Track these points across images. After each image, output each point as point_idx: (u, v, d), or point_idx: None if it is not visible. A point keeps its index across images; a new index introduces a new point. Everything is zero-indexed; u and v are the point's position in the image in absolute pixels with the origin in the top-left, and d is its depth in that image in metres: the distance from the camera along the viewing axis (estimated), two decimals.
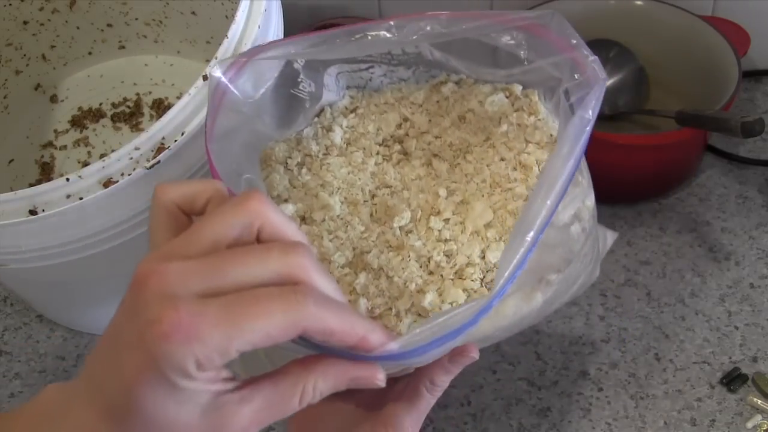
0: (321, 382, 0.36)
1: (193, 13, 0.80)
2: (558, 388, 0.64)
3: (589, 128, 0.45)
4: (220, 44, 0.54)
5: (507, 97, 0.55)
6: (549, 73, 0.50)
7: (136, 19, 0.82)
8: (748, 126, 0.63)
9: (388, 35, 0.50)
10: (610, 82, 0.80)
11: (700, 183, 0.76)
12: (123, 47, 0.84)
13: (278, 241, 0.35)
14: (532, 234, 0.42)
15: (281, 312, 0.33)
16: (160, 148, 0.53)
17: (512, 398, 0.64)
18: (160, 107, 0.82)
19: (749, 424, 0.60)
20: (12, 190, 0.52)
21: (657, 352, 0.65)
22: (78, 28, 0.82)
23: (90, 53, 0.84)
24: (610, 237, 0.58)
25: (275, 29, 0.60)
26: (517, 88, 0.55)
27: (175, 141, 0.53)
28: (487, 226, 0.49)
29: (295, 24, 0.74)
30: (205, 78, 0.53)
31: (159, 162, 0.52)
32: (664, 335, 0.66)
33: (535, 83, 0.54)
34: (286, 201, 0.52)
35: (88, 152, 0.81)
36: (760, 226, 0.72)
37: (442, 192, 0.51)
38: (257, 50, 0.49)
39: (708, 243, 0.72)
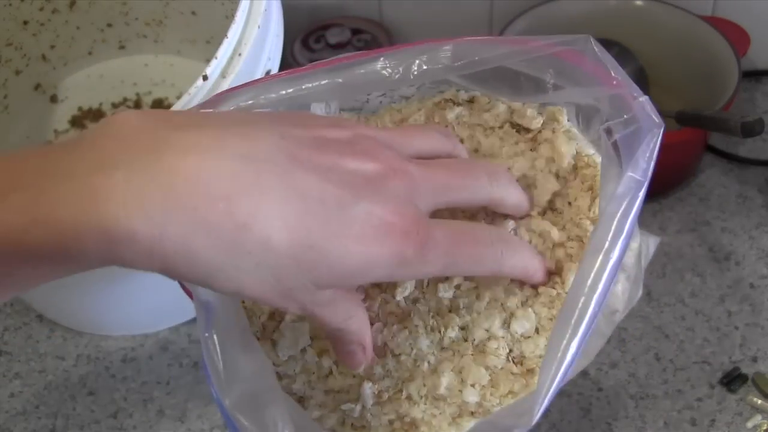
0: None
1: (193, 13, 0.80)
2: None
3: (642, 192, 0.37)
4: (220, 44, 0.54)
5: (518, 132, 0.47)
6: (586, 101, 0.43)
7: (136, 19, 0.82)
8: (748, 126, 0.63)
9: (384, 74, 0.43)
10: None
11: (700, 183, 0.76)
12: (123, 47, 0.84)
13: (481, 163, 0.42)
14: (577, 340, 0.35)
15: (489, 262, 0.39)
16: None
17: None
18: (160, 107, 0.82)
19: (749, 424, 0.60)
20: None
21: (657, 352, 0.65)
22: (78, 28, 0.82)
23: (90, 53, 0.84)
24: (652, 244, 0.47)
25: (275, 29, 0.60)
26: (537, 122, 0.46)
27: None
28: (508, 291, 0.42)
29: (295, 24, 0.74)
30: (205, 78, 0.53)
31: None
32: (664, 335, 0.66)
33: (563, 105, 0.46)
34: None
35: None
36: (760, 226, 0.72)
37: None
38: (220, 97, 0.44)
39: (708, 243, 0.72)
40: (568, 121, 0.46)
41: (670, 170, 0.75)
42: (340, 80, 0.43)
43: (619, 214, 0.37)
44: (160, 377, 0.67)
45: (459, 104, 0.48)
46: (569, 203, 0.44)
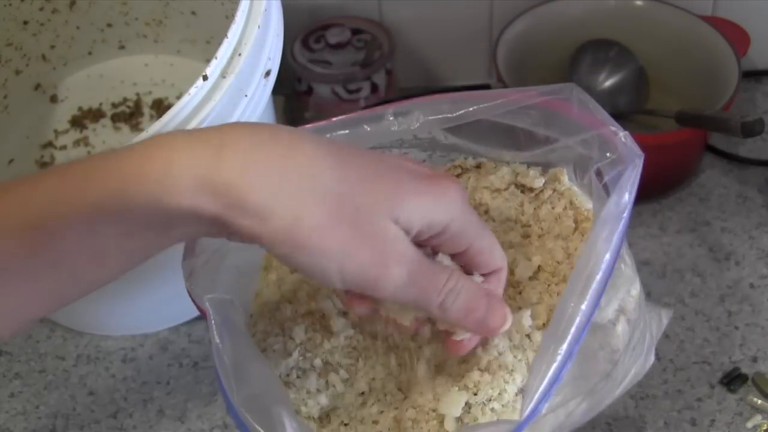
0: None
1: (193, 13, 0.80)
2: None
3: (626, 214, 0.40)
4: (220, 44, 0.54)
5: (522, 192, 0.50)
6: (577, 151, 0.46)
7: (136, 19, 0.82)
8: (748, 126, 0.63)
9: (391, 128, 0.46)
10: (609, 82, 0.80)
11: (700, 183, 0.76)
12: (123, 47, 0.84)
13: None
14: (565, 346, 0.37)
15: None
16: None
17: None
18: (160, 107, 0.82)
19: (749, 424, 0.60)
20: None
21: (657, 352, 0.65)
22: (78, 28, 0.82)
23: (90, 53, 0.84)
24: (665, 317, 0.51)
25: (275, 29, 0.60)
26: (538, 182, 0.49)
27: None
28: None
29: (295, 24, 0.74)
30: (205, 78, 0.53)
31: None
32: (664, 335, 0.65)
33: (562, 162, 0.49)
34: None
35: (88, 152, 0.81)
36: (760, 226, 0.72)
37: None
38: None
39: (708, 243, 0.72)
40: (568, 180, 0.49)
41: (670, 170, 0.75)
42: (347, 131, 0.47)
43: (602, 237, 0.39)
44: (160, 377, 0.67)
45: (467, 170, 0.52)
46: (569, 255, 0.47)
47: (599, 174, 0.43)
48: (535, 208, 0.49)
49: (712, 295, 0.68)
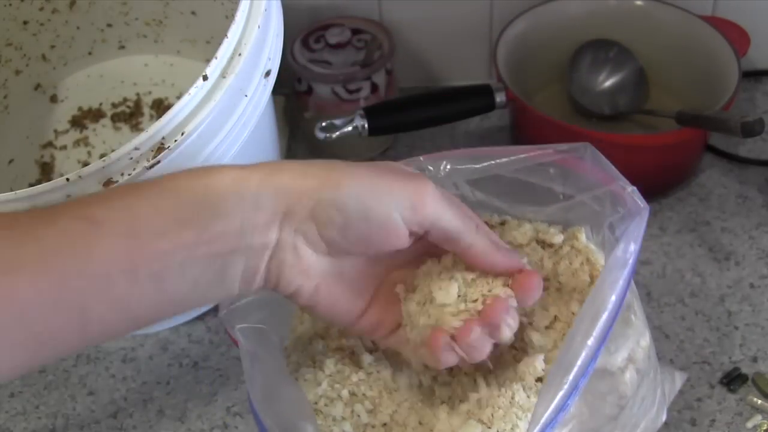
0: None
1: (193, 13, 0.80)
2: None
3: (632, 260, 0.43)
4: (220, 44, 0.54)
5: (543, 248, 0.53)
6: (592, 207, 0.50)
7: (136, 19, 0.82)
8: (748, 126, 0.63)
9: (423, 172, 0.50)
10: (609, 82, 0.80)
11: (700, 183, 0.76)
12: (123, 47, 0.84)
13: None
14: (571, 377, 0.40)
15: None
16: (160, 148, 0.53)
17: None
18: (160, 107, 0.82)
19: (749, 424, 0.60)
20: (12, 190, 0.52)
21: (657, 352, 0.65)
22: (78, 28, 0.82)
23: (90, 53, 0.84)
24: (678, 378, 0.55)
25: (275, 29, 0.60)
26: (558, 238, 0.53)
27: (175, 141, 0.53)
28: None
29: (295, 24, 0.74)
30: (205, 78, 0.53)
31: (159, 162, 0.52)
32: (664, 335, 0.66)
33: (579, 219, 0.53)
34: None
35: (88, 152, 0.81)
36: (760, 226, 0.72)
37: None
38: None
39: (708, 243, 0.72)
40: (585, 239, 0.53)
41: (670, 170, 0.75)
42: None
43: (608, 281, 0.42)
44: (160, 377, 0.67)
45: (493, 226, 0.55)
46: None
47: (612, 228, 0.47)
48: (554, 263, 0.52)
49: (712, 295, 0.68)
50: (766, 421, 0.60)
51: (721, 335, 0.65)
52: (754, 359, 0.64)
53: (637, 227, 0.44)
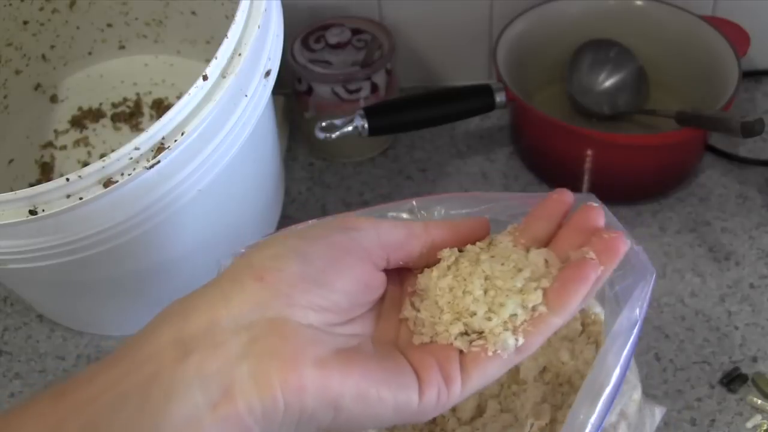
0: None
1: (193, 13, 0.80)
2: None
3: (636, 329, 0.41)
4: (220, 44, 0.54)
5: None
6: None
7: (136, 19, 0.82)
8: (748, 126, 0.63)
9: (409, 216, 0.48)
10: (609, 82, 0.80)
11: (700, 183, 0.76)
12: (123, 47, 0.84)
13: None
14: None
15: None
16: (160, 148, 0.53)
17: None
18: (160, 107, 0.82)
19: (749, 424, 0.60)
20: (12, 190, 0.52)
21: (657, 352, 0.65)
22: (78, 28, 0.82)
23: (90, 53, 0.84)
24: (658, 413, 0.54)
25: (275, 29, 0.60)
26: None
27: (175, 141, 0.53)
28: None
29: (295, 24, 0.74)
30: (205, 78, 0.53)
31: (159, 162, 0.52)
32: (664, 335, 0.66)
33: None
34: None
35: (88, 152, 0.81)
36: (760, 226, 0.72)
37: None
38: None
39: (708, 243, 0.72)
40: None
41: (670, 170, 0.75)
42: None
43: (612, 350, 0.41)
44: None
45: None
46: (574, 356, 0.49)
47: (611, 282, 0.44)
48: None
49: (712, 295, 0.68)
50: (766, 421, 0.60)
51: (721, 335, 0.65)
52: (754, 359, 0.64)
53: (643, 291, 0.42)
